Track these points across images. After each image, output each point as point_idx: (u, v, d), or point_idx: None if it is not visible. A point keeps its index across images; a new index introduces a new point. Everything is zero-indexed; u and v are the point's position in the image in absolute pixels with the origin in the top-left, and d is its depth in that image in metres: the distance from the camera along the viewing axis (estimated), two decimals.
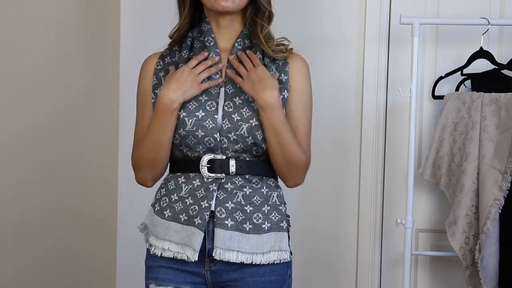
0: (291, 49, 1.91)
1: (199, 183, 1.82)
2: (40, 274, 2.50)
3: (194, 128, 1.80)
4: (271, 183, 1.87)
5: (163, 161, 1.87)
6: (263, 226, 1.82)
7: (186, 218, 1.81)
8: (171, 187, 1.85)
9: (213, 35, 1.88)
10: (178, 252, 1.80)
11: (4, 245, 2.33)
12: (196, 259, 1.78)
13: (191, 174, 1.84)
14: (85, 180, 2.70)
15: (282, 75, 1.87)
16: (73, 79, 2.63)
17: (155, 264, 1.86)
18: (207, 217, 1.79)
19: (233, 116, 1.80)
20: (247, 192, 1.82)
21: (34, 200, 2.45)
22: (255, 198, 1.82)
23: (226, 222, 1.79)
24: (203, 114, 1.80)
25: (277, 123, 1.79)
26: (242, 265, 1.81)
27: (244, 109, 1.81)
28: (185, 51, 1.89)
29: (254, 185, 1.83)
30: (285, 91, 1.86)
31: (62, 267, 2.60)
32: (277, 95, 1.79)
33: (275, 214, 1.84)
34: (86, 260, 2.72)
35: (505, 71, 2.56)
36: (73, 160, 2.64)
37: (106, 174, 2.82)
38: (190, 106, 1.81)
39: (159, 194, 1.89)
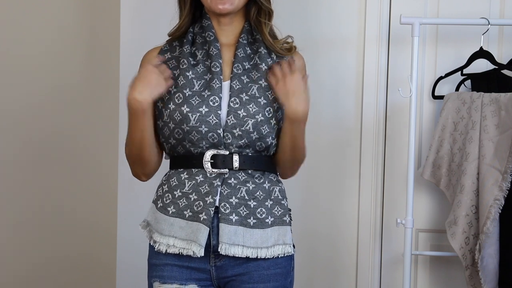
0: (295, 47, 1.95)
1: (202, 179, 1.83)
2: (40, 275, 2.50)
3: (198, 124, 1.81)
4: (272, 177, 1.89)
5: (148, 158, 1.89)
6: (267, 220, 1.83)
7: (190, 214, 1.81)
8: (174, 183, 1.86)
9: (213, 30, 1.90)
10: (184, 248, 1.80)
11: (2, 246, 2.33)
12: (202, 254, 1.79)
13: (193, 169, 1.84)
14: (85, 180, 2.70)
15: None
16: (73, 77, 2.63)
17: (159, 262, 1.85)
18: (212, 212, 1.80)
19: (238, 112, 1.81)
20: (250, 187, 1.83)
21: (32, 200, 2.45)
22: (258, 193, 1.84)
23: (231, 217, 1.80)
24: (206, 109, 1.81)
25: (298, 134, 1.85)
26: (247, 259, 1.82)
27: (251, 105, 1.82)
28: (186, 46, 1.91)
29: (257, 180, 1.85)
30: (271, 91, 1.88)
31: (61, 268, 2.59)
32: (308, 111, 1.82)
33: (278, 208, 1.86)
34: (85, 261, 2.72)
35: (505, 71, 2.56)
36: (73, 159, 2.64)
37: (106, 174, 2.82)
38: (193, 102, 1.82)
39: (161, 191, 1.89)
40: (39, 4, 2.45)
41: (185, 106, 1.82)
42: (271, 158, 1.91)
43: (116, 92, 2.80)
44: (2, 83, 2.30)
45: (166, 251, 1.83)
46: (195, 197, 1.82)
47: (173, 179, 1.87)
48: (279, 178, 1.94)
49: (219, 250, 1.79)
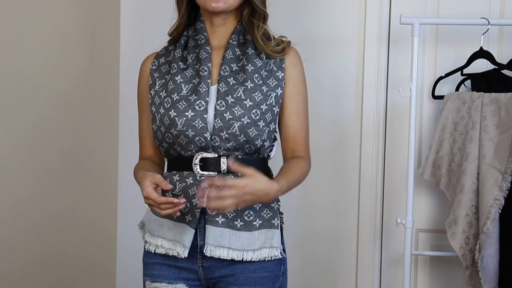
0: (289, 42, 1.93)
1: (192, 181, 1.84)
2: (39, 274, 2.50)
3: (185, 128, 1.81)
4: None
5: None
6: (254, 223, 1.83)
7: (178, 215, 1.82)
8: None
9: (205, 33, 1.90)
10: (170, 249, 1.84)
11: (2, 247, 2.33)
12: (186, 255, 1.81)
13: (185, 172, 1.86)
14: (85, 181, 2.70)
15: (279, 71, 1.89)
16: (73, 78, 2.63)
17: (150, 261, 1.89)
18: (197, 214, 1.81)
19: (224, 115, 1.81)
20: None
21: (32, 201, 2.45)
22: None
23: (217, 219, 1.81)
24: (192, 114, 1.81)
25: (286, 190, 1.83)
26: (233, 261, 1.83)
27: (236, 108, 1.81)
28: (178, 50, 1.92)
29: None
30: (279, 88, 1.87)
31: (61, 268, 2.59)
32: (275, 190, 1.76)
33: (266, 211, 1.86)
34: (85, 261, 2.72)
35: (505, 71, 2.56)
36: (73, 160, 2.64)
37: (106, 175, 2.82)
38: (180, 106, 1.83)
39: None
40: (39, 6, 2.45)
41: (172, 111, 1.83)
42: (265, 160, 1.91)
43: (116, 92, 2.80)
44: (1, 83, 2.30)
45: (154, 251, 1.87)
46: (184, 199, 1.83)
47: (166, 180, 1.87)
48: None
49: (204, 251, 1.80)
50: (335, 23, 2.74)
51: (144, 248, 1.91)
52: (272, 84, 1.87)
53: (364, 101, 2.73)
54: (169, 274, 1.87)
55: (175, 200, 1.73)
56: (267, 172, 1.91)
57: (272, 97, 1.86)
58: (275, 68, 1.89)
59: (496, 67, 2.55)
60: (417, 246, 2.75)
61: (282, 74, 1.89)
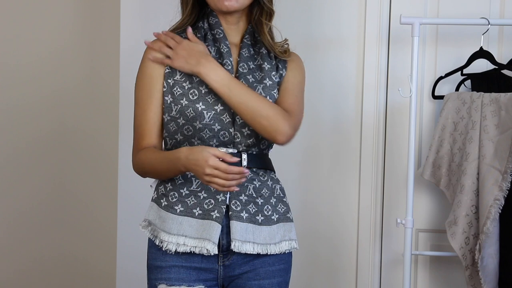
0: (289, 49, 1.96)
1: None
2: (38, 277, 2.49)
3: (212, 122, 1.80)
4: (273, 176, 1.91)
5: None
6: (272, 217, 1.85)
7: (200, 212, 1.80)
8: (179, 181, 1.84)
9: (221, 28, 1.90)
10: (196, 247, 1.78)
11: (1, 249, 2.33)
12: (216, 252, 1.77)
13: None
14: (85, 180, 2.70)
15: (283, 70, 1.92)
16: (73, 78, 2.63)
17: (165, 264, 1.82)
18: (224, 210, 1.79)
19: None
20: (257, 185, 1.85)
21: (32, 200, 2.44)
22: (263, 190, 1.85)
23: (242, 214, 1.81)
24: (221, 108, 1.81)
25: (240, 99, 1.77)
26: (254, 256, 1.83)
27: None
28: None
29: (261, 178, 1.87)
30: (277, 88, 1.89)
31: (60, 268, 2.59)
32: (211, 62, 1.76)
33: (281, 205, 1.89)
34: (85, 261, 2.72)
35: (505, 71, 2.56)
36: (73, 159, 2.64)
37: (106, 174, 2.82)
38: (209, 99, 1.81)
39: (163, 189, 1.86)
40: (40, 6, 2.45)
41: (200, 104, 1.80)
42: (268, 155, 1.94)
43: (116, 92, 2.80)
44: (3, 81, 2.30)
45: (175, 250, 1.80)
46: (205, 195, 1.81)
47: (177, 177, 1.84)
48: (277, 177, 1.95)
49: (232, 247, 1.78)
50: (335, 23, 2.74)
51: (157, 250, 1.83)
52: (278, 84, 1.90)
53: (364, 101, 2.73)
54: (188, 276, 1.82)
55: (243, 169, 1.68)
56: (273, 167, 1.94)
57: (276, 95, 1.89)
58: (280, 70, 1.92)
59: (496, 67, 2.55)
60: (417, 246, 2.75)
61: (283, 75, 1.91)
